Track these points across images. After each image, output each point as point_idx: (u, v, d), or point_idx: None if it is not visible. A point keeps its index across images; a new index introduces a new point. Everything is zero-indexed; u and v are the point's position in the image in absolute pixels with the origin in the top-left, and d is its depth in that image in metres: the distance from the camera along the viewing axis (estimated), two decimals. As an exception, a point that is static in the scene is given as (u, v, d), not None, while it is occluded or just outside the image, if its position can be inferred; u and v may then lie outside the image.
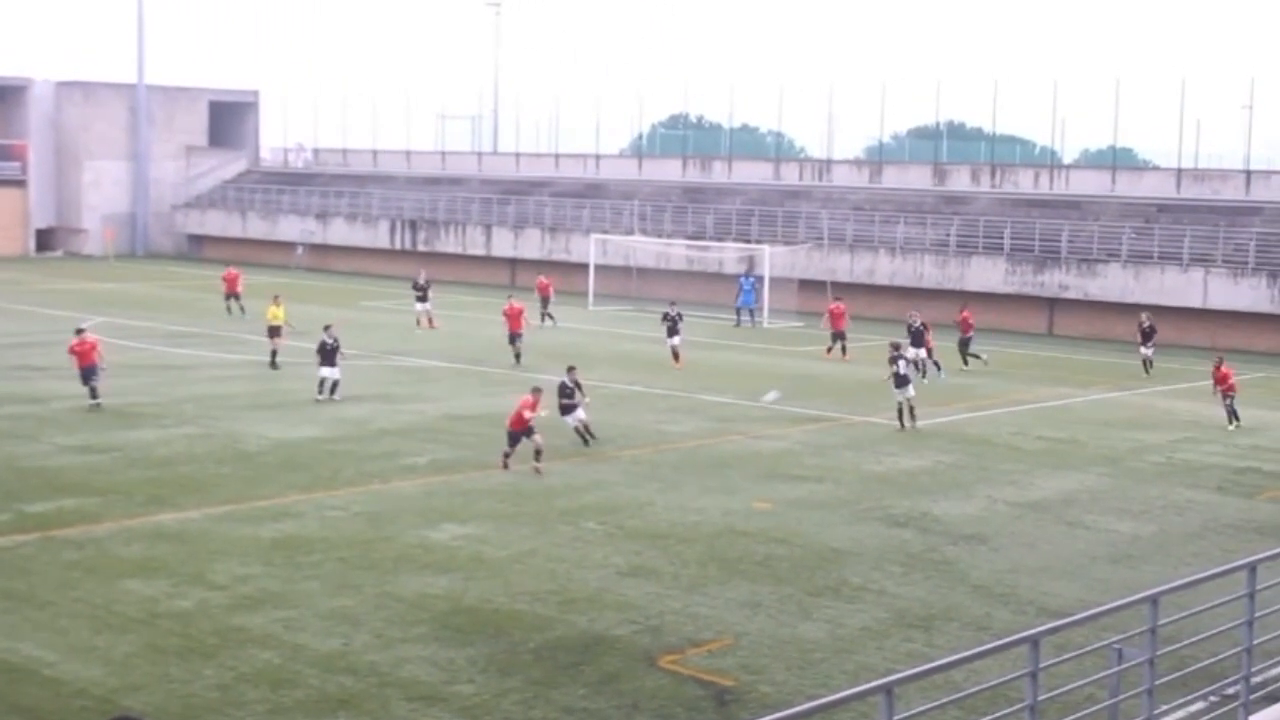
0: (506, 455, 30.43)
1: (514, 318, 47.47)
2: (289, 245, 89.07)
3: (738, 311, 62.39)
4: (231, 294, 59.05)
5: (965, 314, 51.07)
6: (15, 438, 32.52)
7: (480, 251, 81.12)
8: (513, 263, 79.87)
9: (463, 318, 60.83)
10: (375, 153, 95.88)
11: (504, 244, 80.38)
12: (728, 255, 69.17)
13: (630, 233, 73.79)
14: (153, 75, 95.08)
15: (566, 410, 33.01)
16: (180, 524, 25.37)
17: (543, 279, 60.74)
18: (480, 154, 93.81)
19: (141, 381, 41.06)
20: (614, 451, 32.81)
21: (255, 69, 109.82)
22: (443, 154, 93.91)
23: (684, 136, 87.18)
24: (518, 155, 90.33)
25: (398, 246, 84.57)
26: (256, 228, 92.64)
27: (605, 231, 73.79)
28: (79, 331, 37.59)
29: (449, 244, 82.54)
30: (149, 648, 18.84)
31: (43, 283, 71.36)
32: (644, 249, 72.00)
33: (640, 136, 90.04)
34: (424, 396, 39.81)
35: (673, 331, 47.65)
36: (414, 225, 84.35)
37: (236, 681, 17.75)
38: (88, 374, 36.60)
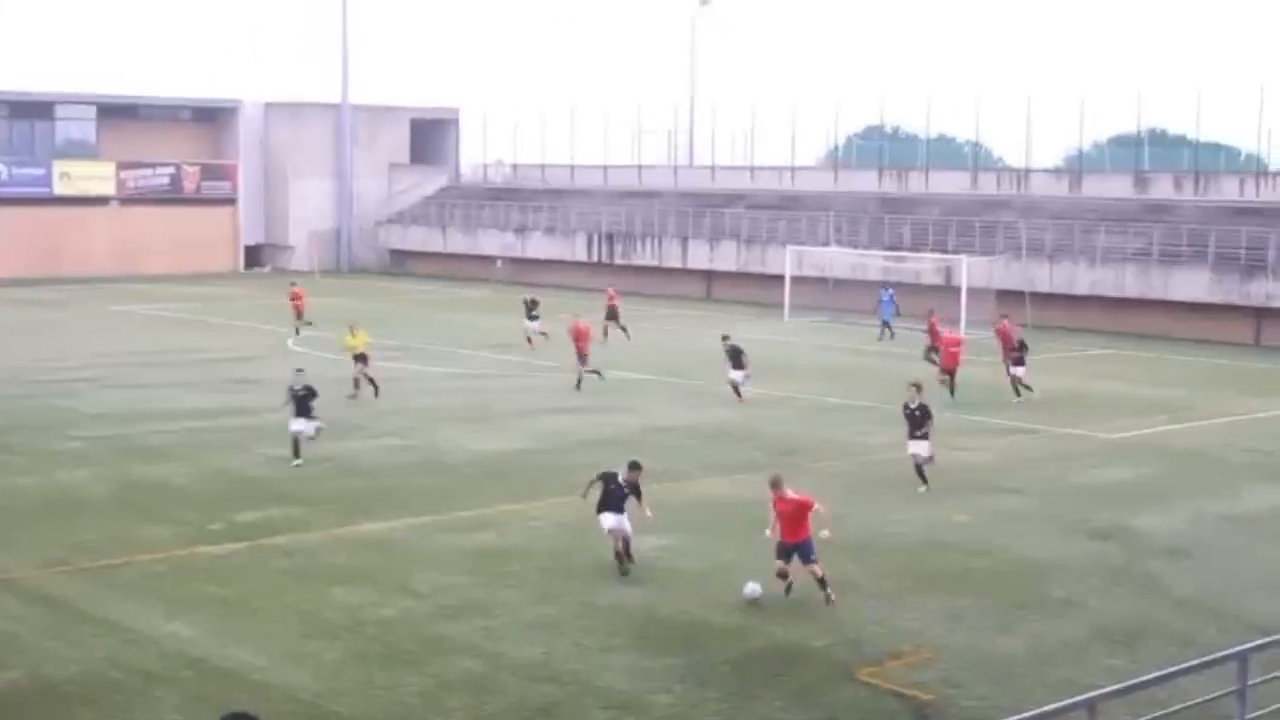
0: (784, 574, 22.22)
1: (581, 337, 44.13)
2: (489, 259, 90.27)
3: (883, 324, 59.81)
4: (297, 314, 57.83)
5: (1004, 324, 45.70)
6: (227, 449, 33.43)
7: (676, 264, 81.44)
8: (708, 275, 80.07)
9: (659, 330, 61.13)
10: (573, 167, 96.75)
11: (700, 256, 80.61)
12: (925, 266, 68.58)
13: (826, 244, 73.52)
14: (356, 95, 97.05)
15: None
16: (384, 534, 25.89)
17: (611, 290, 60.33)
18: (676, 167, 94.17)
19: (343, 393, 41.90)
20: (810, 463, 32.72)
21: (455, 87, 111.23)
22: (639, 168, 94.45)
23: (880, 147, 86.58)
24: (713, 168, 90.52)
25: (595, 259, 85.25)
26: (457, 242, 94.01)
27: (801, 243, 73.60)
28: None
29: (645, 257, 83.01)
30: (354, 654, 19.27)
31: (252, 298, 73.19)
32: (840, 260, 71.71)
33: (835, 148, 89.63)
34: (624, 409, 40.08)
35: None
36: (610, 238, 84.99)
37: (438, 689, 18.08)
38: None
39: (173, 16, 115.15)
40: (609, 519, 22.95)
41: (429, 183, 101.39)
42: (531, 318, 53.99)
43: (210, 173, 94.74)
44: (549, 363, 47.37)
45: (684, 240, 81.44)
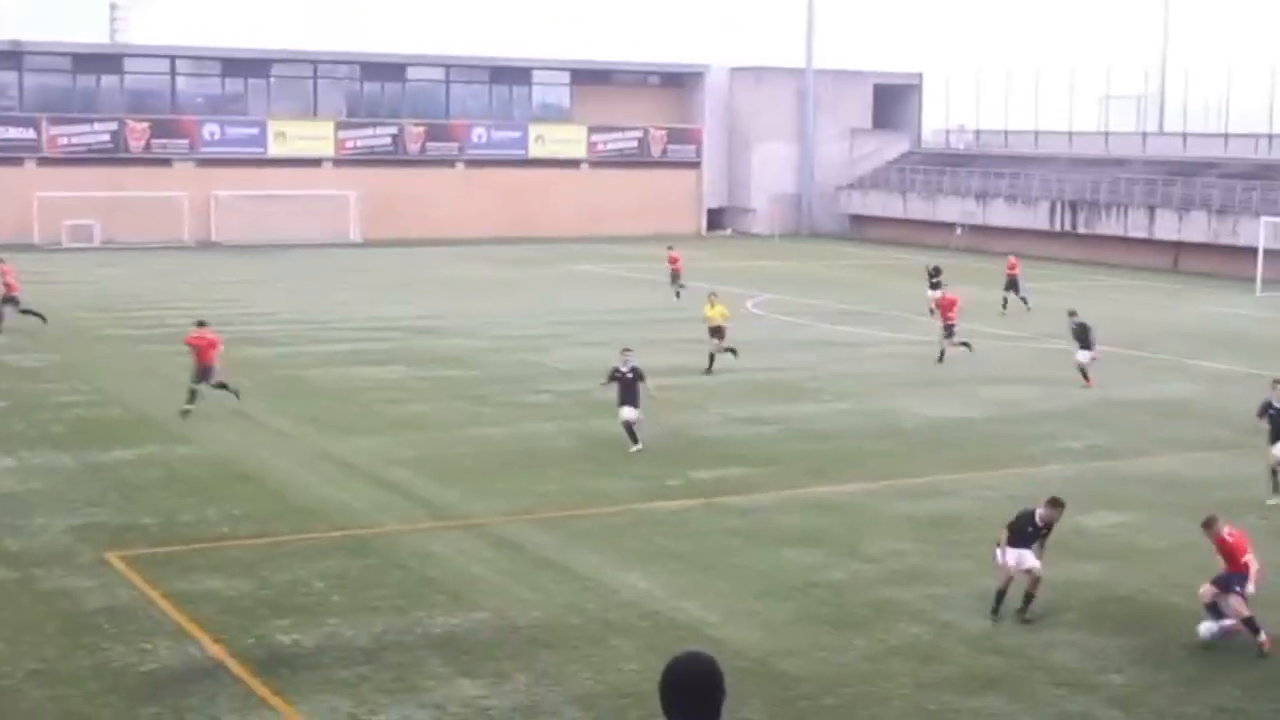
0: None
1: (948, 308, 42.09)
2: (948, 226, 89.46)
3: None
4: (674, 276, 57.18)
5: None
6: (686, 408, 34.23)
7: (1142, 234, 78.93)
8: (1176, 246, 77.32)
9: (1124, 302, 59.49)
10: (1037, 134, 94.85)
11: (1167, 227, 77.90)
12: None
13: (1306, 215, 70.05)
14: (820, 60, 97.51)
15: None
16: (837, 497, 26.12)
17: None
18: (1145, 134, 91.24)
19: (804, 358, 42.35)
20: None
21: (918, 51, 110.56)
22: (1106, 134, 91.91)
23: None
24: (1184, 135, 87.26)
25: (1057, 228, 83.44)
26: (917, 208, 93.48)
27: (1277, 214, 70.30)
28: (200, 325, 33.98)
29: (1110, 226, 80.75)
30: (804, 615, 19.56)
31: (712, 260, 74.51)
32: (1320, 232, 68.22)
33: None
34: (1081, 380, 39.21)
35: None
36: (1074, 206, 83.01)
37: (886, 654, 18.19)
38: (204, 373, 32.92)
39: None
40: (1024, 557, 19.72)
41: (890, 148, 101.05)
42: (934, 286, 51.49)
43: (676, 136, 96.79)
44: (1004, 331, 46.67)
45: (1151, 210, 78.84)
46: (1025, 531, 19.81)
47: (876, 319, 51.56)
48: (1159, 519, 24.85)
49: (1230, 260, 71.24)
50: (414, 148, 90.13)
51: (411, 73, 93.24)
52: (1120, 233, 79.95)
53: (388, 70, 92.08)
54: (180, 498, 25.38)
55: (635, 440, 29.35)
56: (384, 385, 36.99)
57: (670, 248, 60.89)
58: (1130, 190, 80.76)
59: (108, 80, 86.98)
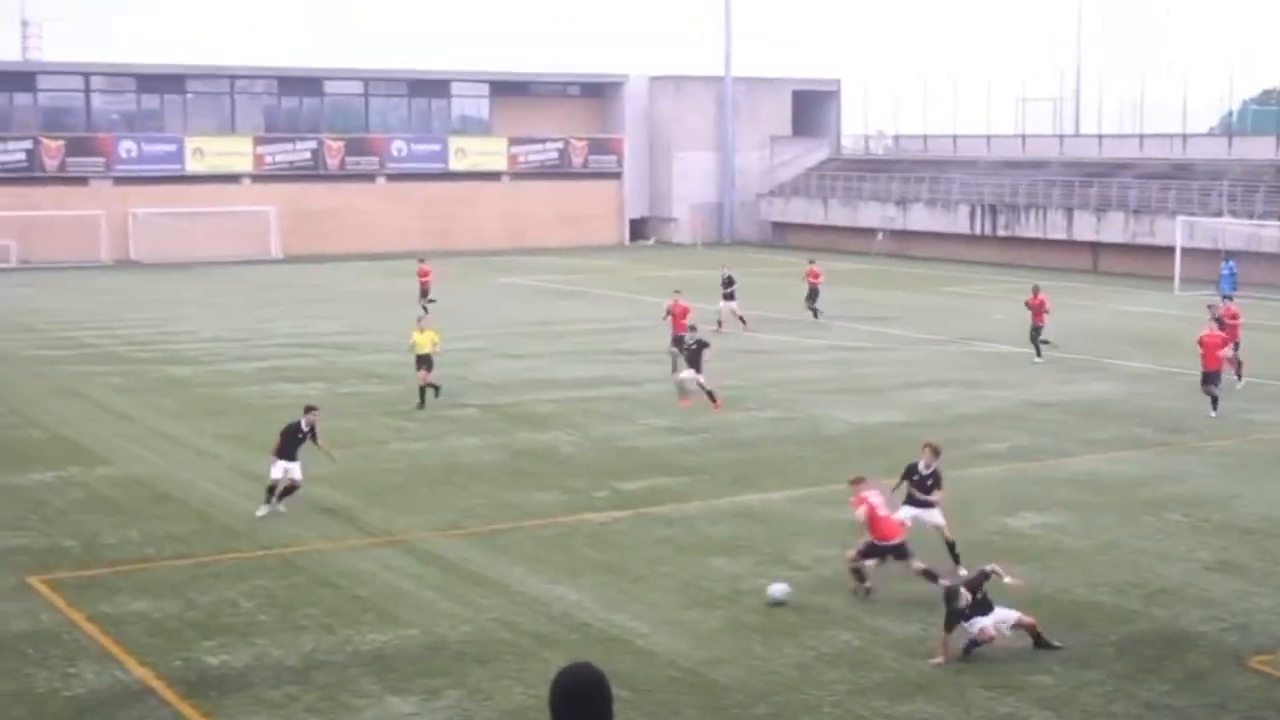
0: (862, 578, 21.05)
1: (678, 317, 40.85)
2: (869, 232, 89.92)
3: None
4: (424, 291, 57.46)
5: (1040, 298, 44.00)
6: (613, 418, 34.24)
7: (1061, 235, 79.62)
8: (1094, 247, 78.06)
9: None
10: (955, 138, 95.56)
11: (1086, 228, 78.62)
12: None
13: (1219, 214, 70.89)
14: (739, 68, 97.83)
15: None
16: (764, 505, 26.17)
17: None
18: (1062, 136, 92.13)
19: (726, 366, 42.39)
20: (1198, 442, 31.74)
21: (836, 57, 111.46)
22: (1023, 137, 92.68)
23: (1279, 112, 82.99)
24: (1100, 137, 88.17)
25: (978, 232, 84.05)
26: (838, 215, 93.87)
27: (1192, 214, 71.15)
28: None
29: (1029, 228, 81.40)
30: (733, 624, 19.58)
31: (635, 270, 74.62)
32: (1234, 231, 69.02)
33: (1230, 114, 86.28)
34: (1004, 383, 39.53)
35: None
36: (994, 210, 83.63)
37: (816, 661, 18.24)
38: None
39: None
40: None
41: (810, 155, 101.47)
42: (727, 296, 50.30)
43: (597, 147, 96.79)
44: (926, 335, 46.96)
45: (1069, 211, 79.57)
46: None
47: (799, 326, 51.73)
48: (1082, 518, 25.05)
49: (1148, 260, 71.99)
50: (334, 162, 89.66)
51: (330, 86, 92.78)
52: (1040, 234, 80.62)
53: (306, 84, 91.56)
54: (102, 519, 25.11)
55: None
56: (306, 402, 36.72)
57: (422, 260, 60.52)
58: (1049, 192, 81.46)
59: (21, 98, 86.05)
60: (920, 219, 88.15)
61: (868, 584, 20.60)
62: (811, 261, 55.55)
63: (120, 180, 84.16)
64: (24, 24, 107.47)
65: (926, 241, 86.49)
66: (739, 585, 21.13)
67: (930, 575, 20.41)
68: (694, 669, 17.96)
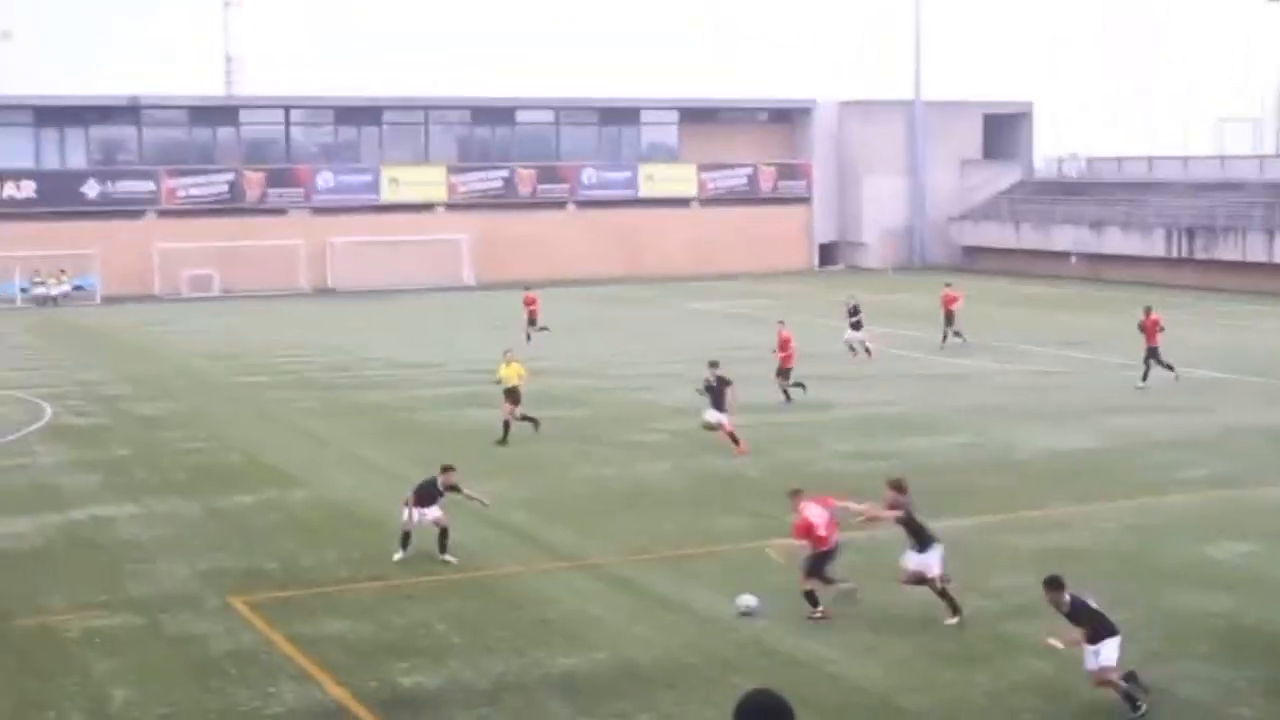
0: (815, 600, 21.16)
1: (783, 347, 41.21)
2: (1062, 255, 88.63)
3: None
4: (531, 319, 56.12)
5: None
6: (798, 443, 34.15)
7: (1261, 258, 77.76)
8: (1297, 269, 76.18)
9: (1244, 327, 58.64)
10: (1150, 159, 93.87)
11: (1288, 250, 76.74)
12: None
13: None
14: (928, 91, 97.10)
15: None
16: (954, 532, 25.84)
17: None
18: (1262, 157, 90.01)
19: (917, 391, 42.10)
20: None
21: (1028, 80, 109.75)
22: (1221, 158, 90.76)
23: None
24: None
25: (1175, 255, 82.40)
26: (1030, 238, 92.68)
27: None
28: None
29: (1228, 251, 79.58)
30: (924, 651, 19.42)
31: (825, 294, 74.32)
32: None
33: None
34: (1200, 408, 38.68)
35: None
36: (1191, 233, 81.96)
37: (1008, 690, 18.03)
38: None
39: (740, 19, 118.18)
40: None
41: (1001, 178, 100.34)
42: (854, 325, 49.21)
43: (785, 172, 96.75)
44: (1120, 359, 46.14)
45: (1270, 233, 77.68)
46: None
47: (992, 350, 51.12)
48: (1284, 548, 24.42)
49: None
50: (525, 190, 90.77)
51: (521, 115, 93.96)
52: (1239, 257, 78.77)
53: (498, 114, 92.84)
54: (299, 542, 25.68)
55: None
56: (496, 427, 37.21)
57: (528, 289, 58.24)
58: (1248, 214, 79.63)
59: (224, 132, 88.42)
60: (1115, 242, 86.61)
61: (848, 585, 21.18)
62: (948, 285, 54.73)
63: (318, 210, 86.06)
64: (227, 60, 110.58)
65: (1121, 265, 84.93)
66: (930, 613, 20.93)
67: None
68: (883, 694, 17.86)
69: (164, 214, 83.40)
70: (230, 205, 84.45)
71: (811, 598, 20.83)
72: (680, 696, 17.85)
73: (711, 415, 33.17)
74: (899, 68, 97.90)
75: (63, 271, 78.44)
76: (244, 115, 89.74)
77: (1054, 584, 17.54)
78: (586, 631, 20.39)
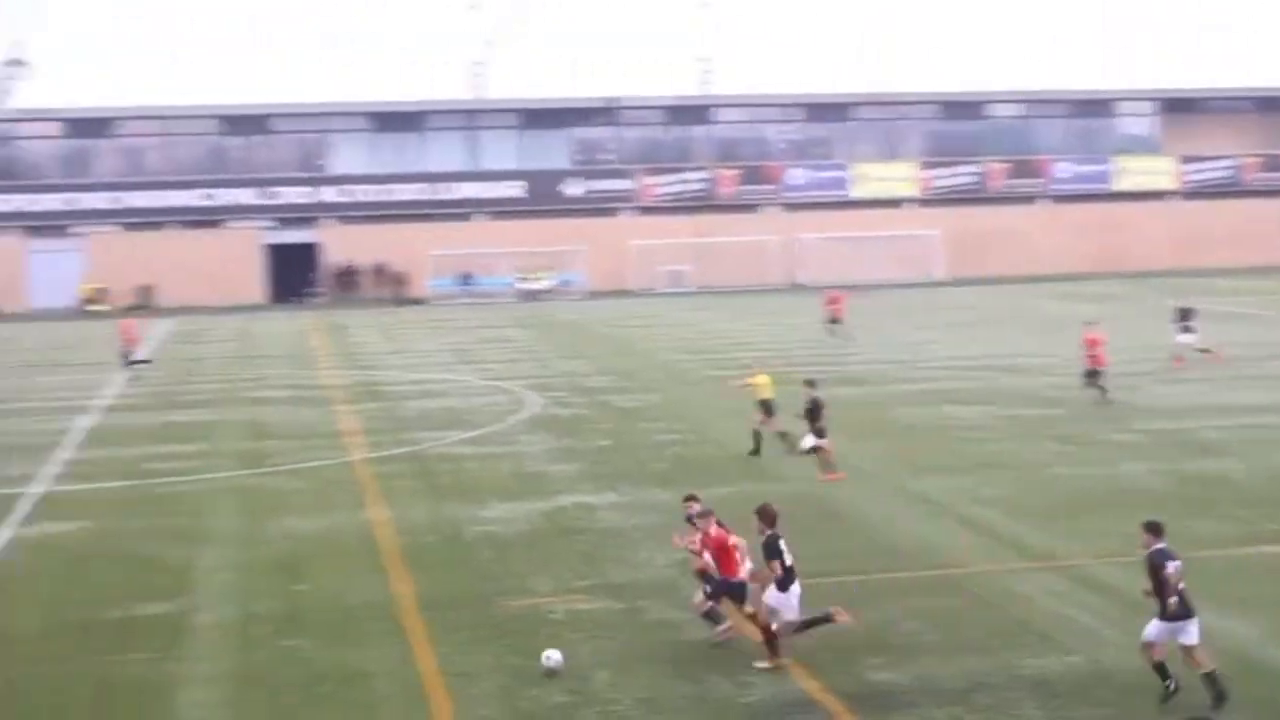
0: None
1: (1092, 349, 40.03)
2: None
3: None
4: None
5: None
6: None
7: None
8: None
9: None
10: None
11: None
12: None
13: None
14: None
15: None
16: None
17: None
18: None
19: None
20: None
21: None
22: None
23: None
24: None
25: None
26: None
27: None
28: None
29: None
30: None
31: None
32: None
33: None
34: None
35: None
36: None
37: None
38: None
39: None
40: None
41: None
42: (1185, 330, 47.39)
43: (1270, 164, 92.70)
44: None
45: None
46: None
47: None
48: None
49: None
50: (996, 185, 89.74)
51: (991, 109, 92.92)
52: None
53: (967, 108, 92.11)
54: (775, 535, 26.08)
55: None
56: (968, 424, 37.02)
57: (832, 288, 59.20)
58: None
59: (698, 130, 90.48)
60: None
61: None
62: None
63: (789, 207, 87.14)
64: (700, 59, 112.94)
65: None
66: None
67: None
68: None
69: (639, 211, 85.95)
70: (704, 202, 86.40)
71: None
72: (1149, 703, 17.43)
73: (809, 440, 31.02)
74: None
75: (548, 267, 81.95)
76: (717, 114, 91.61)
77: (1152, 528, 18.01)
78: (1060, 633, 20.13)
